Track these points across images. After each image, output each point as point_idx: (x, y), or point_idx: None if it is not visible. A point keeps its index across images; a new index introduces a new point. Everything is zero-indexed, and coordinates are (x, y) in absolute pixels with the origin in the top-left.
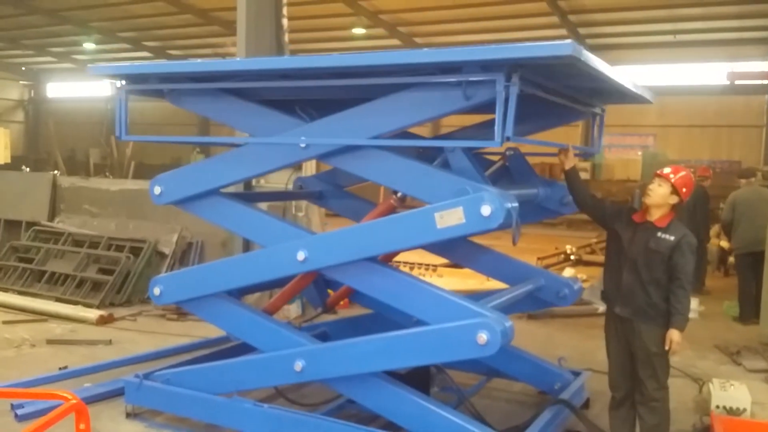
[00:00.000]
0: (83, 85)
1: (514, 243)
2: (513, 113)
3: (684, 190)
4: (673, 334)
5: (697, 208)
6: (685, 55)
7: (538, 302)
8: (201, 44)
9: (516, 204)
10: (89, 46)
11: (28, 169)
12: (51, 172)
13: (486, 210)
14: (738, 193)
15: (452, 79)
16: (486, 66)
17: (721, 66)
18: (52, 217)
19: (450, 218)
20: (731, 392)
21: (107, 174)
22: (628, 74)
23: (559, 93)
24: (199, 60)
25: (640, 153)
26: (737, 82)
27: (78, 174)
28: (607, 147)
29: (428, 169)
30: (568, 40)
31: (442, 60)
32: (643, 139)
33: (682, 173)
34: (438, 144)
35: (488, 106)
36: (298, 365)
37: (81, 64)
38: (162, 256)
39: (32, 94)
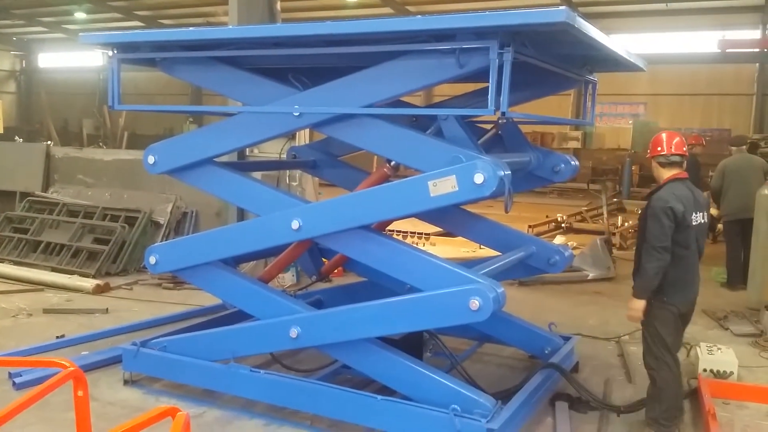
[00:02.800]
0: (75, 55)
1: (506, 211)
2: (507, 81)
3: (654, 147)
4: (629, 301)
5: (689, 176)
6: (676, 23)
7: (529, 269)
8: (193, 13)
9: (508, 172)
10: (80, 15)
11: (21, 140)
12: (44, 143)
13: (479, 178)
14: (728, 161)
15: (446, 46)
16: (480, 33)
17: (713, 34)
18: (46, 187)
19: (443, 186)
20: (718, 356)
21: (101, 144)
22: (620, 42)
23: (553, 61)
24: (191, 28)
25: (631, 122)
26: (728, 51)
27: (71, 144)
28: (599, 116)
29: (421, 138)
30: (562, 7)
31: (435, 27)
32: (634, 107)
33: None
34: (431, 112)
35: (482, 74)
36: (294, 332)
37: (72, 33)
38: (157, 225)
39: (24, 65)
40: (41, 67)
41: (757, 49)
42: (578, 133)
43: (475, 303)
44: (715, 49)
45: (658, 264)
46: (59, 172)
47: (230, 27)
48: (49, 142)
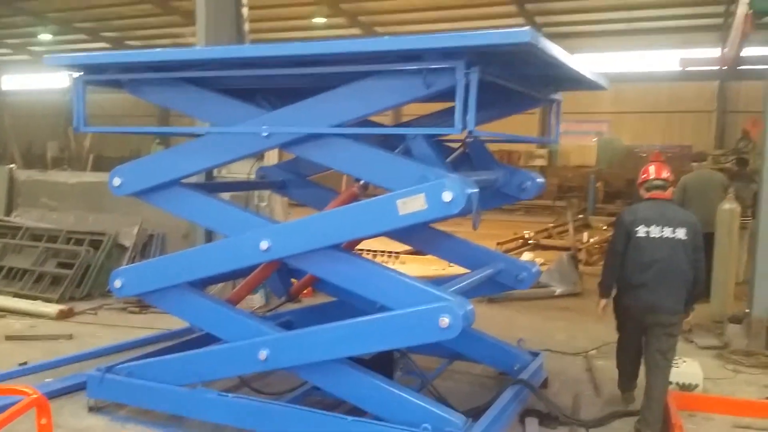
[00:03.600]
0: (40, 77)
1: (474, 228)
2: (474, 100)
3: (641, 176)
4: None
5: None
6: (638, 42)
7: (497, 286)
8: (160, 34)
9: (476, 190)
10: (45, 37)
11: None
12: (7, 166)
13: (447, 196)
14: (689, 176)
15: (413, 66)
16: (446, 54)
17: (674, 53)
18: (8, 211)
19: (412, 205)
20: (684, 368)
21: (65, 167)
22: (583, 61)
23: (518, 81)
24: (158, 50)
25: (595, 139)
26: (689, 69)
27: (35, 167)
28: (563, 133)
29: (390, 157)
30: (527, 28)
31: (402, 48)
32: (598, 125)
33: None
34: (399, 132)
35: (449, 94)
36: (263, 354)
37: (37, 55)
38: (122, 248)
39: None
40: (4, 89)
41: (716, 67)
42: (544, 151)
43: (444, 321)
44: (677, 67)
45: (609, 262)
46: (22, 195)
47: (198, 48)
48: (12, 166)
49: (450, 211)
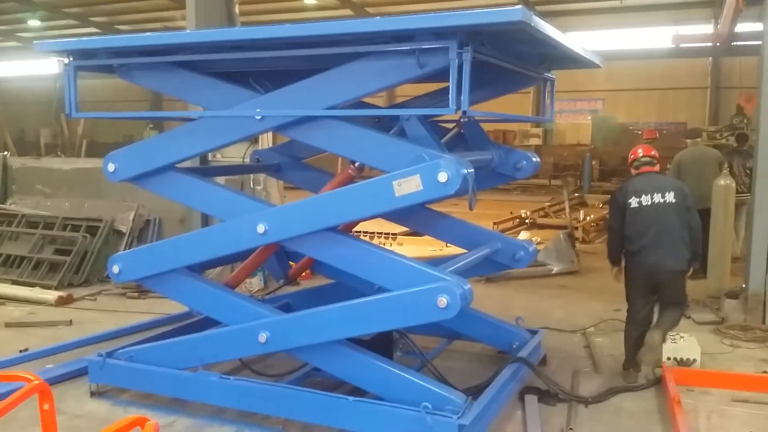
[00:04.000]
0: (30, 64)
1: (470, 208)
2: (467, 80)
3: (629, 158)
4: None
5: None
6: (631, 20)
7: (495, 265)
8: (150, 18)
9: (472, 170)
10: (34, 23)
11: None
12: (1, 153)
13: (443, 177)
14: (683, 153)
15: (406, 47)
16: (438, 33)
17: (667, 30)
18: (3, 199)
19: (408, 186)
20: (681, 344)
21: (59, 153)
22: (576, 40)
23: (512, 59)
24: (149, 33)
25: (589, 117)
26: (682, 45)
27: (29, 154)
28: (558, 112)
29: (385, 138)
30: (519, 6)
31: (394, 28)
32: (593, 103)
33: None
34: (393, 113)
35: (442, 74)
36: (263, 336)
37: (26, 41)
38: (119, 234)
39: None
40: None
41: (710, 43)
42: (539, 130)
43: (443, 300)
44: (670, 44)
45: (611, 238)
46: (17, 182)
47: (188, 31)
48: (5, 153)
49: (446, 191)
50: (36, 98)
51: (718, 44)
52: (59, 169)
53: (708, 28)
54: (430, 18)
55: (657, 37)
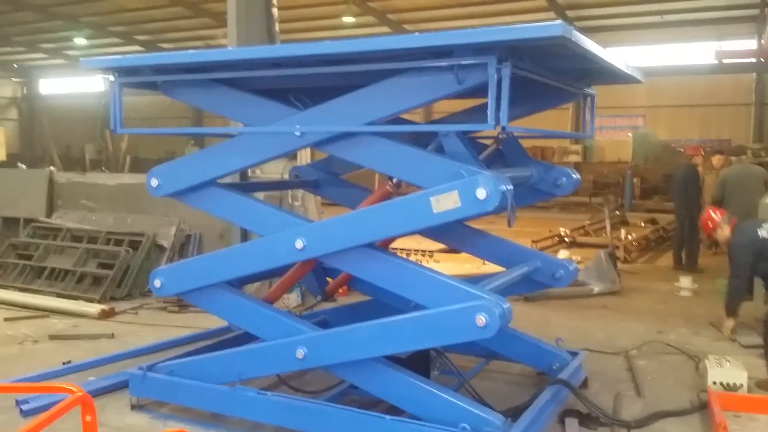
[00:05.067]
0: (76, 81)
1: (509, 225)
2: (507, 96)
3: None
4: None
5: (688, 187)
6: (672, 35)
7: (534, 284)
8: (192, 36)
9: (511, 186)
10: (80, 41)
11: (24, 167)
12: (47, 169)
13: (481, 193)
14: (728, 171)
15: (444, 63)
16: (477, 49)
17: (709, 45)
18: (49, 213)
19: (446, 202)
20: (727, 368)
21: (103, 169)
22: (617, 55)
23: (551, 75)
24: (191, 51)
25: (630, 134)
26: (725, 61)
27: (74, 170)
28: (598, 129)
29: (423, 154)
30: (558, 21)
31: (433, 44)
32: (633, 120)
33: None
34: (432, 129)
35: (481, 90)
36: (300, 352)
37: (73, 59)
38: (161, 249)
39: (25, 92)
40: (42, 93)
41: (753, 59)
42: (578, 147)
43: (481, 319)
44: (712, 59)
45: (737, 286)
46: (62, 197)
47: (230, 49)
48: (51, 168)
49: (484, 208)
50: (81, 115)
51: (762, 60)
52: (103, 185)
53: (751, 44)
54: (469, 33)
55: (699, 52)
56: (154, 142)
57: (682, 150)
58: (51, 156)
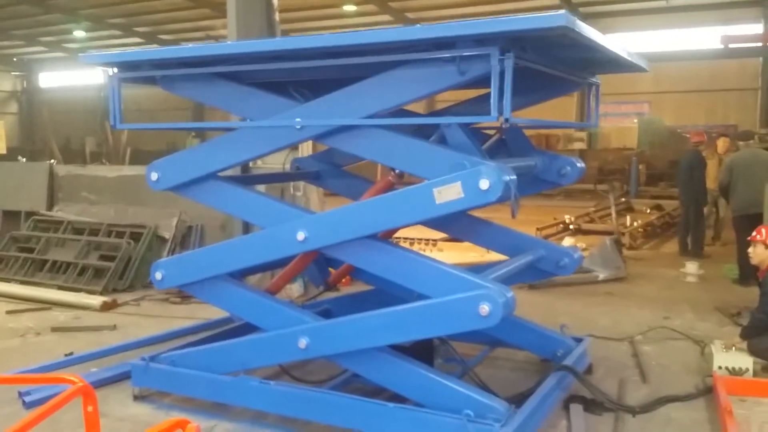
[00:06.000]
0: (76, 74)
1: (513, 216)
2: (509, 87)
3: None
4: None
5: (694, 172)
6: (677, 20)
7: (538, 273)
8: (191, 28)
9: (514, 177)
10: (79, 34)
11: (24, 160)
12: (47, 162)
13: (484, 184)
14: (735, 156)
15: (446, 54)
16: (479, 40)
17: (714, 30)
18: (50, 206)
19: (448, 193)
20: (733, 353)
21: (104, 161)
22: (621, 42)
23: (555, 65)
24: (190, 44)
25: (635, 120)
26: (731, 46)
27: (74, 162)
28: (603, 116)
29: (425, 146)
30: (561, 11)
31: (435, 36)
32: (639, 106)
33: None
34: (434, 121)
35: (484, 81)
36: (303, 342)
37: (72, 52)
38: (162, 240)
39: (25, 85)
40: (42, 86)
41: (759, 44)
42: (583, 134)
43: (485, 308)
44: (718, 44)
45: (762, 323)
46: (63, 190)
47: (229, 42)
48: (52, 161)
49: (487, 199)
50: (81, 107)
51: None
52: (104, 177)
53: (758, 28)
54: (471, 25)
55: (704, 37)
56: (154, 134)
57: (687, 136)
58: (51, 149)
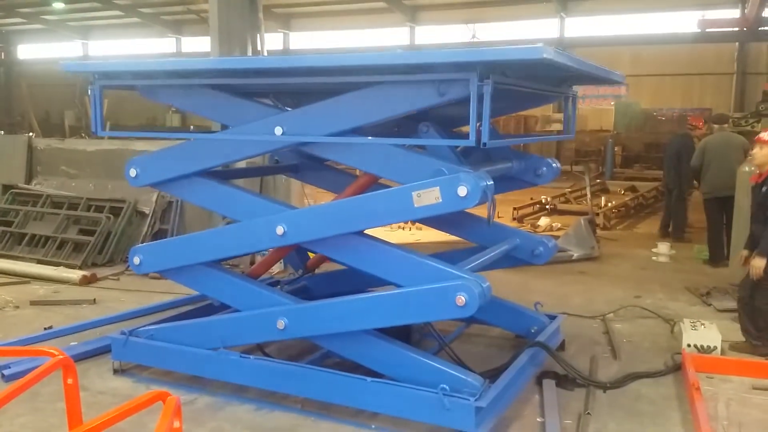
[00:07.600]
0: (55, 46)
1: (488, 223)
2: (488, 112)
3: None
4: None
5: (682, 157)
6: (656, 3)
7: (514, 261)
8: (173, 1)
9: (491, 182)
10: (58, 5)
11: (2, 133)
12: (26, 135)
13: (462, 191)
14: (708, 139)
15: (426, 78)
16: (459, 66)
17: (693, 14)
18: (29, 179)
19: (427, 197)
20: (702, 331)
21: (83, 135)
22: (599, 24)
23: (533, 83)
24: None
25: (613, 103)
26: (708, 30)
27: (53, 136)
28: (581, 98)
29: (404, 153)
30: (539, 44)
31: (416, 62)
32: (616, 89)
33: None
34: (414, 143)
35: (464, 101)
36: (281, 323)
37: (51, 24)
38: (142, 215)
39: (3, 57)
40: (21, 58)
41: (736, 28)
42: (560, 116)
43: (461, 299)
44: (696, 28)
45: None
46: (42, 163)
47: (212, 59)
48: (31, 134)
49: (465, 205)
50: (60, 81)
51: (744, 29)
52: (83, 151)
53: (735, 13)
54: (451, 53)
55: (682, 21)
56: (134, 109)
57: (663, 119)
58: (30, 122)
